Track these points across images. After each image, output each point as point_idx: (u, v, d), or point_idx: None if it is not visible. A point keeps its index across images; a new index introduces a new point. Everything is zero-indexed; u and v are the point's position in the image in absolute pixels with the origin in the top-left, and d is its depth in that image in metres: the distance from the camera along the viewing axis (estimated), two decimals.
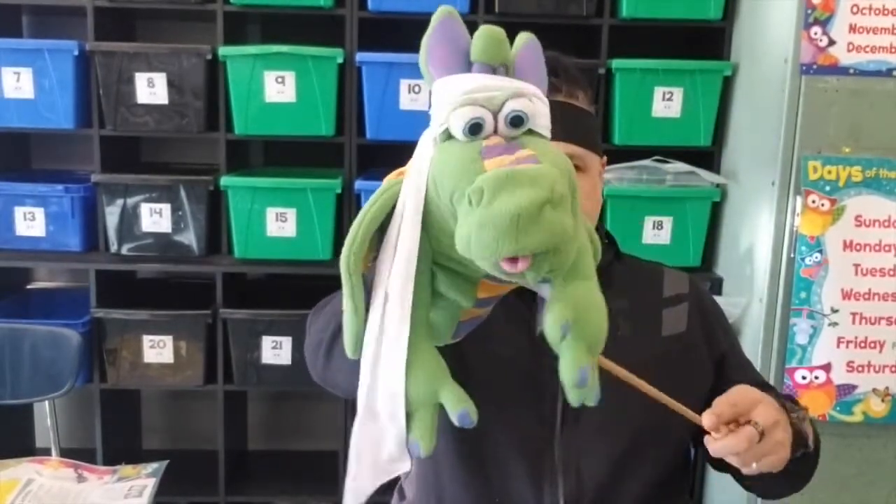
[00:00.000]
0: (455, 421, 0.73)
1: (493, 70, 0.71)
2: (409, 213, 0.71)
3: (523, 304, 1.03)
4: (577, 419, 1.06)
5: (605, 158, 1.17)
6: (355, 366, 0.85)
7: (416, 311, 0.73)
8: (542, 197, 0.63)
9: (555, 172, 0.66)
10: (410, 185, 0.72)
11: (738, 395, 0.94)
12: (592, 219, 1.10)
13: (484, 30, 0.72)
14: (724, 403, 0.92)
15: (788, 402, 1.07)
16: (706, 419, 0.90)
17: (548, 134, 0.73)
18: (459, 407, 0.73)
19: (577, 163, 1.06)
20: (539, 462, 1.05)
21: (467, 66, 0.71)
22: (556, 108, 1.06)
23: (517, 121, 0.69)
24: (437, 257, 0.74)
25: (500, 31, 0.72)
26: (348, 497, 0.81)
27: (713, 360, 1.15)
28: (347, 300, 0.73)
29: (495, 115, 0.68)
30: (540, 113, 0.71)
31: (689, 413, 0.91)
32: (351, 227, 0.73)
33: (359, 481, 0.79)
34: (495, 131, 0.69)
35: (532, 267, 0.65)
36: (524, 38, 0.74)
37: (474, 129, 0.68)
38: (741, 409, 0.92)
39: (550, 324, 0.70)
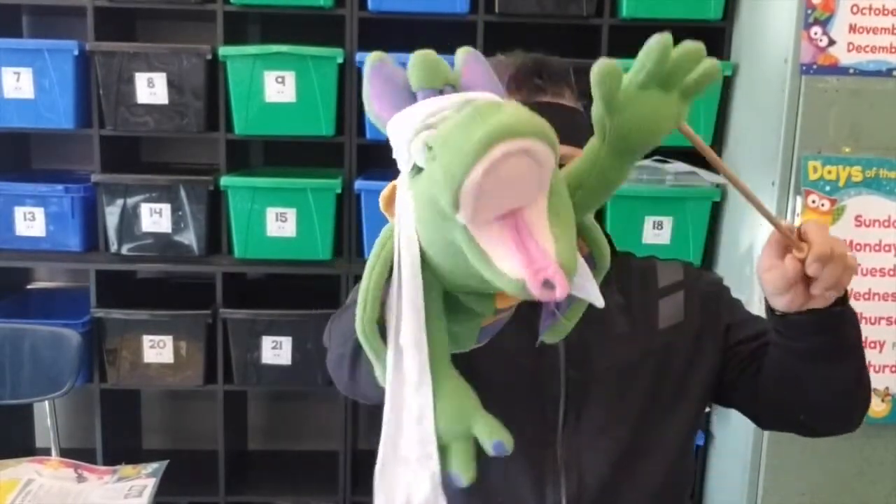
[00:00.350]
0: (490, 451, 0.72)
1: (441, 92, 0.70)
2: (406, 266, 0.69)
3: (526, 303, 1.03)
4: (579, 419, 1.06)
5: None
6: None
7: (436, 347, 0.72)
8: (495, 99, 0.62)
9: None
10: (402, 237, 0.70)
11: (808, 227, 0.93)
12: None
13: (415, 56, 0.70)
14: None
15: None
16: (785, 222, 0.90)
17: None
18: (494, 438, 0.72)
19: (567, 162, 1.06)
20: (541, 462, 1.05)
21: (413, 99, 0.70)
22: (542, 109, 1.05)
23: None
24: (450, 288, 0.72)
25: (431, 53, 0.70)
26: None
27: (715, 339, 1.13)
28: (371, 358, 0.73)
29: None
30: None
31: (772, 218, 0.89)
32: (358, 292, 0.72)
33: None
34: None
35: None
36: (462, 53, 0.73)
37: None
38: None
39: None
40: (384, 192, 0.77)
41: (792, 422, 1.12)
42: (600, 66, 0.70)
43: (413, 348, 0.70)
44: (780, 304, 0.94)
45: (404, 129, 0.67)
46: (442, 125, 0.61)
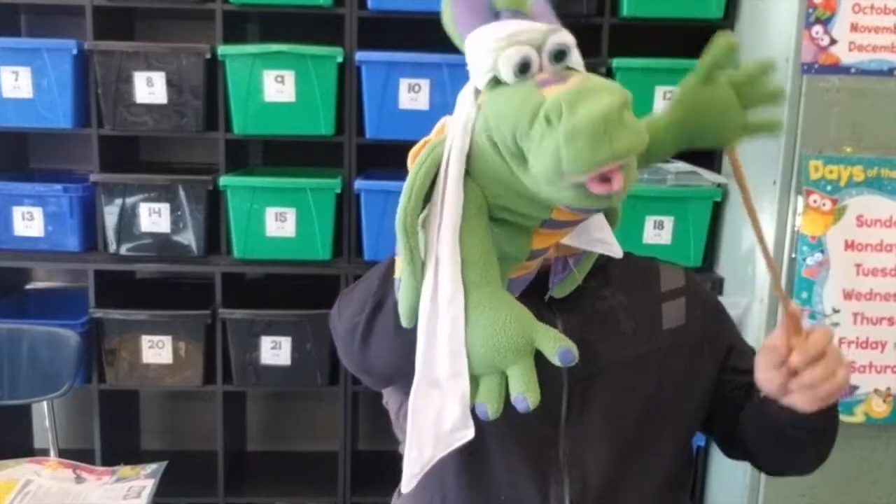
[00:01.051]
0: (557, 360, 0.70)
1: (520, 16, 0.72)
2: (454, 169, 0.70)
3: (530, 301, 1.03)
4: (582, 414, 1.05)
5: None
6: (397, 343, 0.82)
7: (481, 266, 0.71)
8: (620, 99, 0.64)
9: (616, 84, 0.67)
10: (454, 146, 0.71)
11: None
12: None
13: None
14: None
15: None
16: (792, 305, 0.92)
17: (582, 68, 0.74)
18: (559, 345, 0.70)
19: None
20: (544, 459, 1.05)
21: (493, 17, 0.72)
22: None
23: (561, 55, 0.71)
24: (491, 210, 0.73)
25: None
26: (409, 468, 0.77)
27: (716, 353, 1.14)
28: (405, 263, 0.71)
29: (539, 52, 0.69)
30: (575, 47, 0.72)
31: (780, 290, 0.91)
32: (403, 190, 0.72)
33: (421, 453, 0.76)
34: (540, 69, 0.69)
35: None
36: None
37: (524, 67, 0.69)
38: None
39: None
40: (415, 149, 0.77)
41: (754, 462, 1.16)
42: (723, 38, 0.76)
43: (448, 259, 0.70)
44: (760, 379, 0.97)
45: (492, 42, 0.69)
46: (568, 102, 0.63)
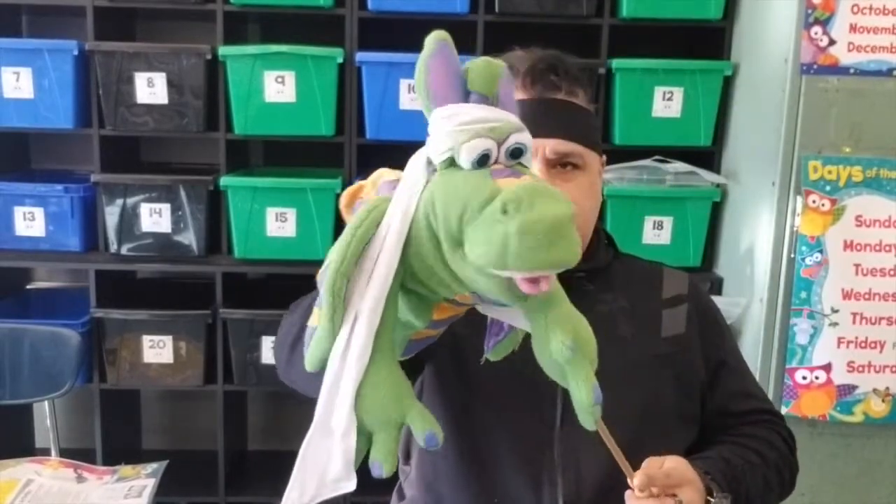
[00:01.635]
0: (422, 443, 0.73)
1: (487, 101, 0.72)
2: (393, 236, 0.71)
3: None
4: (576, 419, 1.05)
5: (604, 158, 1.18)
6: (311, 377, 0.85)
7: (385, 333, 0.74)
8: (571, 210, 0.65)
9: (564, 193, 0.68)
10: (398, 208, 0.72)
11: (674, 468, 0.96)
12: (591, 217, 1.11)
13: (485, 63, 0.73)
14: (660, 472, 0.94)
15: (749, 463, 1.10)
16: (638, 478, 0.92)
17: (531, 166, 0.76)
18: (426, 429, 0.73)
19: (576, 160, 1.07)
20: (538, 462, 1.05)
21: (464, 96, 0.73)
22: (556, 105, 1.07)
23: (518, 153, 0.72)
24: (405, 280, 0.74)
25: (494, 63, 0.73)
26: None
27: (709, 364, 1.15)
28: (326, 320, 0.73)
29: (500, 146, 0.70)
30: (531, 148, 0.74)
31: (626, 466, 0.93)
32: (334, 247, 0.73)
33: (302, 495, 0.78)
34: (496, 161, 0.70)
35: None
36: (502, 71, 0.74)
37: (483, 160, 0.69)
38: (672, 482, 0.95)
39: (557, 347, 0.73)
40: (348, 194, 0.79)
41: None
42: None
43: (367, 319, 0.71)
44: None
45: (458, 125, 0.71)
46: (528, 197, 0.64)
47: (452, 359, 1.06)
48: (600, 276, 1.12)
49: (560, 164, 1.07)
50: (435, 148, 0.72)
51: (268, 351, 2.33)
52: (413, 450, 1.16)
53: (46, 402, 2.07)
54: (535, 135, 1.02)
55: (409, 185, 0.73)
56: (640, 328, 1.11)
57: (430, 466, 1.10)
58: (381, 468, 0.74)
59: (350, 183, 2.30)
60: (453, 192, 0.69)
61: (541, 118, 1.06)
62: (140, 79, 2.25)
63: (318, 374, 0.80)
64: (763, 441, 1.13)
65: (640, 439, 1.07)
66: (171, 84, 2.26)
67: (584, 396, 0.75)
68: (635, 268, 1.18)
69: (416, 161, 0.75)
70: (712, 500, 0.99)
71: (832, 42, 1.90)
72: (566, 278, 0.92)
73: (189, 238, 2.31)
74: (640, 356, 1.09)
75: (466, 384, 1.06)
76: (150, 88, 2.26)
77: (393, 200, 0.74)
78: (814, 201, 1.92)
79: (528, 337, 0.84)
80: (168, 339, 2.32)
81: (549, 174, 1.06)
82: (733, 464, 1.06)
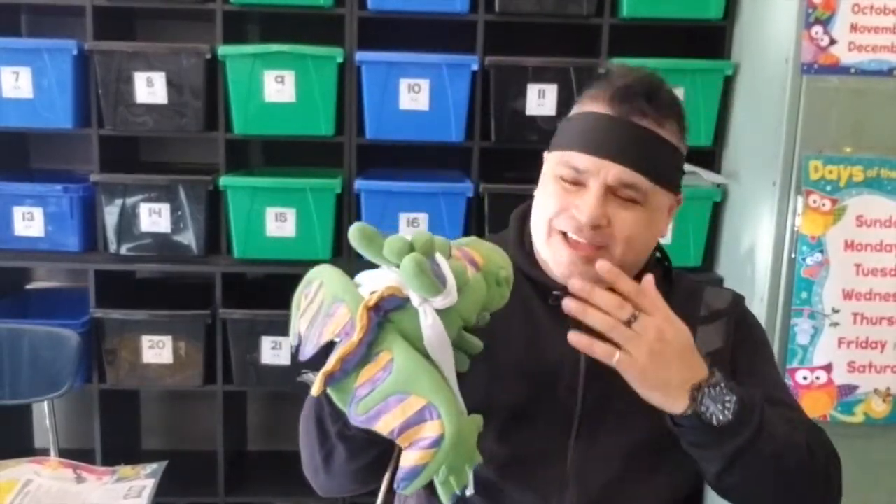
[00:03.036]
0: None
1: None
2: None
3: (557, 324, 1.02)
4: (593, 430, 1.04)
5: (681, 197, 1.11)
6: (352, 467, 0.95)
7: None
8: None
9: None
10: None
11: (660, 300, 0.94)
12: (639, 251, 1.06)
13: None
14: (636, 288, 0.93)
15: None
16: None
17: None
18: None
19: (635, 195, 1.02)
20: (549, 471, 1.04)
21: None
22: (636, 132, 1.02)
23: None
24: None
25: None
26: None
27: (734, 370, 1.10)
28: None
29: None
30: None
31: None
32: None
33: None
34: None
35: None
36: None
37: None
38: (643, 303, 0.93)
39: None
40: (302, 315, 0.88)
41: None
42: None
43: None
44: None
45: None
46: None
47: (479, 362, 1.04)
48: None
49: (620, 194, 1.02)
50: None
51: (267, 351, 2.33)
52: None
53: (46, 403, 2.07)
54: (606, 155, 1.01)
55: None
56: None
57: None
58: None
59: (350, 183, 2.31)
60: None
61: (616, 140, 1.01)
62: (139, 78, 2.25)
63: (358, 469, 0.93)
64: (796, 423, 1.04)
65: (654, 453, 1.05)
66: (170, 84, 2.25)
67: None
68: (678, 286, 1.15)
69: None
70: (707, 387, 0.92)
71: (833, 42, 1.90)
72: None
73: (188, 238, 2.30)
74: None
75: (487, 391, 1.04)
76: (150, 88, 2.25)
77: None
78: (814, 201, 1.91)
79: (559, 349, 0.92)
80: (167, 340, 2.32)
81: (604, 199, 1.01)
82: (752, 390, 0.98)
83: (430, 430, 0.78)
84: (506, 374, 1.05)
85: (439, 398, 0.78)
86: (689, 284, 1.17)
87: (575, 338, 0.92)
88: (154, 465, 1.91)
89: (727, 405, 0.92)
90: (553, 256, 1.05)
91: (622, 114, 1.02)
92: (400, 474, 0.80)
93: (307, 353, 0.84)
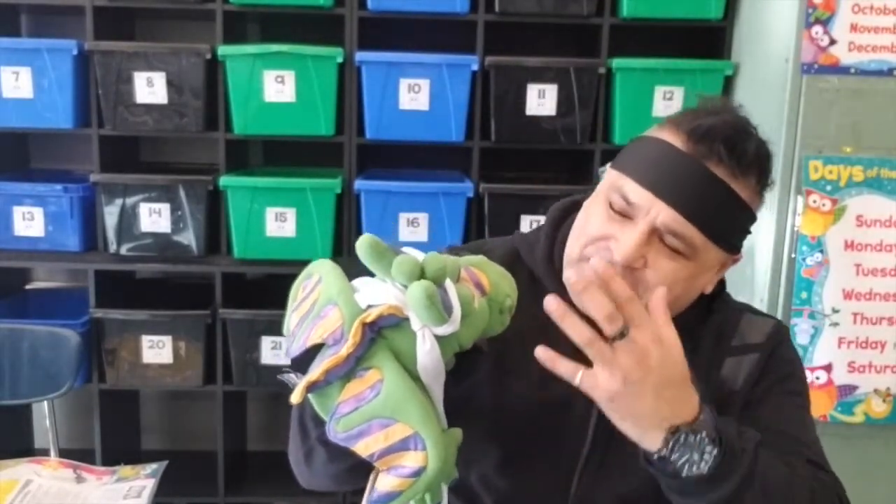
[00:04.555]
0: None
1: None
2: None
3: (581, 355, 0.97)
4: (603, 456, 1.00)
5: (739, 257, 1.01)
6: (331, 469, 0.92)
7: None
8: None
9: None
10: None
11: (668, 350, 0.79)
12: (678, 305, 0.96)
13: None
14: (636, 300, 0.79)
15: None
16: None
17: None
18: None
19: (683, 247, 0.91)
20: (555, 492, 1.01)
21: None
22: (704, 178, 0.91)
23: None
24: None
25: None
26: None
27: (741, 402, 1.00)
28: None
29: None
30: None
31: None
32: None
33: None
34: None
35: None
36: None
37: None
38: (636, 319, 0.78)
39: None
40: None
41: None
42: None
43: None
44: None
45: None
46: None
47: (490, 383, 1.00)
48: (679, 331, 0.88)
49: (667, 241, 0.92)
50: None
51: (267, 351, 2.33)
52: None
53: (45, 403, 2.07)
54: (662, 195, 0.90)
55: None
56: (693, 368, 0.88)
57: (445, 491, 1.08)
58: None
59: (350, 183, 2.31)
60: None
61: (679, 181, 0.91)
62: (139, 78, 2.25)
63: (338, 471, 0.90)
64: (800, 470, 0.91)
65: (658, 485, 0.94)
66: (170, 84, 2.25)
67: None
68: (719, 312, 1.05)
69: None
70: (686, 432, 0.79)
71: (833, 42, 1.90)
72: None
73: (188, 238, 2.30)
74: None
75: (495, 415, 1.01)
76: (150, 88, 2.25)
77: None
78: (814, 201, 1.91)
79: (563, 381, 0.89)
80: (167, 340, 2.32)
81: (648, 241, 0.91)
82: (747, 436, 0.86)
83: (412, 460, 0.75)
84: (518, 402, 1.00)
85: (427, 430, 0.75)
86: (728, 310, 1.07)
87: (541, 351, 0.80)
88: (154, 465, 1.91)
89: (705, 456, 0.80)
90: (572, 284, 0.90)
91: (696, 154, 0.91)
92: (374, 496, 0.77)
93: (293, 351, 0.81)
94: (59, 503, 1.74)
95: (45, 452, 2.08)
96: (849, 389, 1.96)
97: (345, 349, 0.75)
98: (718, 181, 0.91)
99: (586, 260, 0.94)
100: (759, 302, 2.02)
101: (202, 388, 2.38)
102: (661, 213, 0.91)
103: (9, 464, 1.88)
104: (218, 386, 2.38)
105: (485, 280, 0.85)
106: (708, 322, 1.03)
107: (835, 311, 1.94)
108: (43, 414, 2.11)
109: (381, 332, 0.78)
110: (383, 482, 0.76)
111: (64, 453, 2.07)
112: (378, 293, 0.79)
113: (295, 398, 0.77)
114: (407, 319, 0.77)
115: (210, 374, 2.38)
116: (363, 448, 0.76)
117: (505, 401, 1.00)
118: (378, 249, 0.78)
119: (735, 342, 1.03)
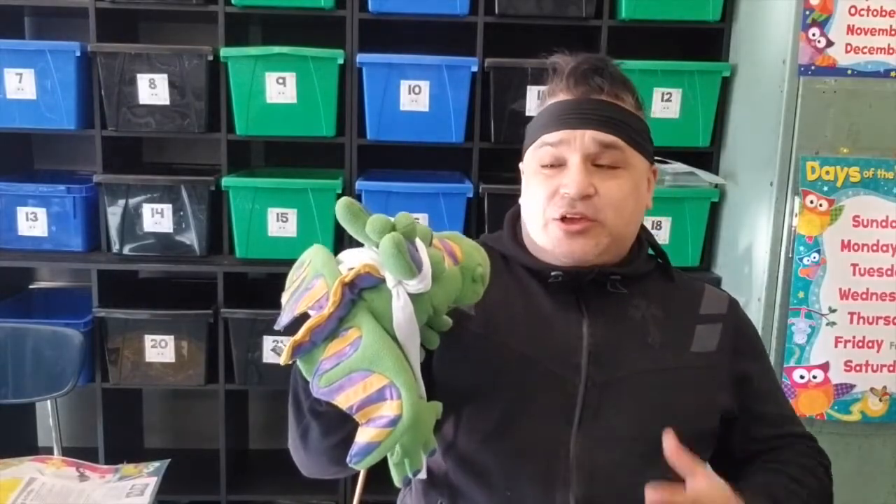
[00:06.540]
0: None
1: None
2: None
3: (560, 299, 1.08)
4: (595, 419, 1.04)
5: (656, 167, 1.16)
6: (325, 445, 0.96)
7: None
8: None
9: None
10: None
11: (708, 496, 0.93)
12: (630, 220, 1.10)
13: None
14: (688, 499, 0.92)
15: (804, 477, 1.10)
16: (653, 492, 0.92)
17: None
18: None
19: (618, 160, 1.07)
20: (553, 459, 1.04)
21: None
22: (599, 104, 1.08)
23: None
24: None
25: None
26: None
27: (734, 379, 1.13)
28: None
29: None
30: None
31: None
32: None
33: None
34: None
35: None
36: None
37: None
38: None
39: None
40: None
41: None
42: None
43: None
44: None
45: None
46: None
47: (481, 340, 1.07)
48: (637, 283, 1.11)
49: (602, 164, 1.06)
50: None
51: (269, 350, 2.34)
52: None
53: (49, 402, 2.08)
54: (576, 126, 1.06)
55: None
56: (669, 339, 1.09)
57: (440, 462, 1.10)
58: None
59: (351, 183, 2.32)
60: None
61: (582, 113, 1.06)
62: (142, 80, 2.26)
63: (332, 448, 0.94)
64: (803, 468, 1.11)
65: (656, 445, 1.01)
66: (172, 85, 2.27)
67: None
68: (678, 282, 1.17)
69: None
70: None
71: (830, 43, 1.91)
72: (602, 280, 1.03)
73: (191, 238, 2.32)
74: (664, 366, 1.08)
75: (490, 371, 1.06)
76: (152, 89, 2.27)
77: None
78: (811, 201, 1.93)
79: (562, 337, 0.95)
80: (170, 339, 2.34)
81: (588, 171, 1.05)
82: (774, 492, 1.04)
83: (388, 410, 0.79)
84: (510, 355, 1.06)
85: (401, 379, 0.79)
86: (688, 282, 1.19)
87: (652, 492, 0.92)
88: (156, 464, 1.92)
89: None
90: (550, 241, 1.08)
91: (581, 94, 1.08)
92: (353, 449, 0.80)
93: (283, 322, 0.86)
94: (62, 501, 1.75)
95: (49, 451, 2.09)
96: (845, 388, 1.97)
97: (327, 309, 0.80)
98: (609, 103, 1.08)
99: (552, 220, 1.07)
100: (757, 301, 2.03)
101: (204, 387, 2.39)
102: (584, 137, 1.05)
103: (12, 462, 1.89)
104: (220, 385, 2.39)
105: (458, 250, 0.90)
106: (675, 291, 1.15)
107: (832, 310, 1.95)
108: (46, 413, 2.13)
109: (362, 294, 0.83)
110: (362, 434, 0.80)
111: (67, 452, 2.08)
112: (358, 257, 0.84)
113: (283, 359, 0.82)
114: (384, 280, 0.82)
115: (212, 374, 2.39)
116: (343, 400, 0.80)
117: (498, 356, 1.06)
118: (352, 210, 0.83)
119: (703, 311, 1.15)
